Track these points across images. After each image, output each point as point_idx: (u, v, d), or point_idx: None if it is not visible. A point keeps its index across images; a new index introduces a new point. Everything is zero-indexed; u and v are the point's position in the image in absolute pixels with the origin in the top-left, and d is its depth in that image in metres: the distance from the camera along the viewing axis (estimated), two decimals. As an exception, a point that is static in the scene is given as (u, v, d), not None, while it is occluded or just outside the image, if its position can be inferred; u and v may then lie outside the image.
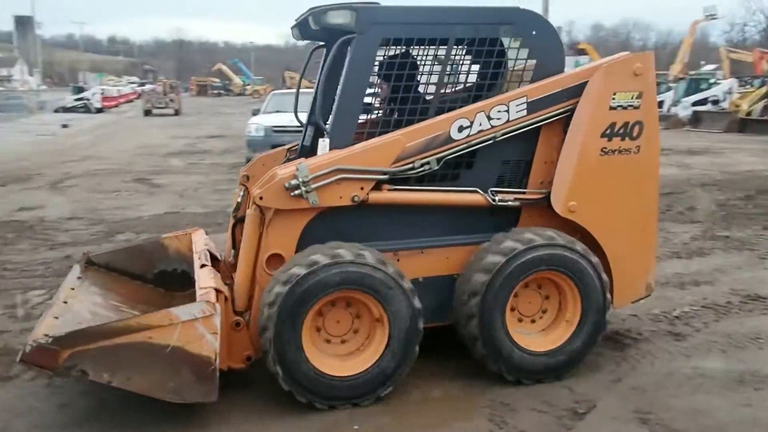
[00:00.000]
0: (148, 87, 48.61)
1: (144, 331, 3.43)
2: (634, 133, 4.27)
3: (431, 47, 4.61)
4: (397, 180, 4.08)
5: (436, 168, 4.10)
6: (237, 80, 79.97)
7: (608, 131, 4.22)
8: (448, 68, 4.39)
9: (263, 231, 3.99)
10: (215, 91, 78.46)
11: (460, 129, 4.09)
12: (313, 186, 3.87)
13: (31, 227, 8.70)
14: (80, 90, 50.41)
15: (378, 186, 4.03)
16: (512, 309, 4.18)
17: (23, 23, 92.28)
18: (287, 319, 3.68)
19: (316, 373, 3.77)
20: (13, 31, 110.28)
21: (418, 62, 4.65)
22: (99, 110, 43.52)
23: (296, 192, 3.86)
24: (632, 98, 4.25)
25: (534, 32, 4.25)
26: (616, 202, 4.33)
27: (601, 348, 4.54)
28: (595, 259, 4.17)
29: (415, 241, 4.22)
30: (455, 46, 4.40)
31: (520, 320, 4.25)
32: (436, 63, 4.65)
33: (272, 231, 3.97)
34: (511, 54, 4.29)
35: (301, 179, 3.85)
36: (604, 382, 4.22)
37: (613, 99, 4.21)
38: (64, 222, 9.09)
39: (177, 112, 39.21)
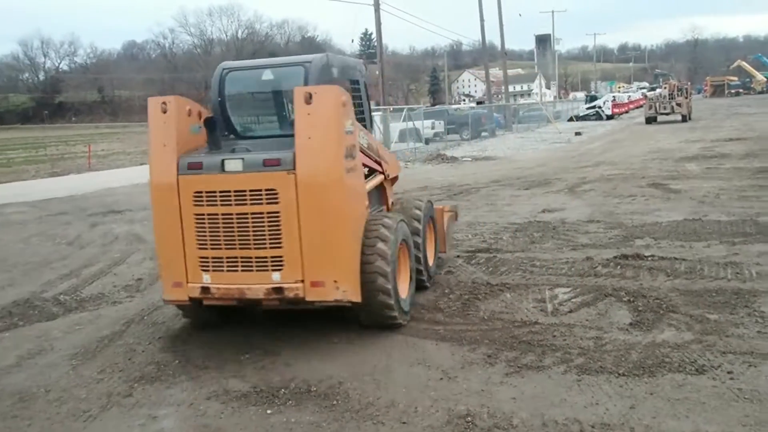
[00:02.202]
0: (656, 91, 47.29)
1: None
2: None
3: None
4: None
5: None
6: (759, 77, 72.27)
7: None
8: None
9: None
10: (733, 90, 72.39)
11: None
12: None
13: (554, 228, 9.30)
14: (593, 99, 52.57)
15: None
16: None
17: (543, 41, 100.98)
18: None
19: None
20: (534, 50, 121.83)
21: None
22: (609, 117, 44.68)
23: None
24: None
25: None
26: None
27: None
28: None
29: None
30: None
31: None
32: None
33: None
34: None
35: None
36: None
37: None
38: (583, 224, 9.45)
39: (685, 118, 34.79)
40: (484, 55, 47.46)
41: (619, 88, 79.29)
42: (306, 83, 5.34)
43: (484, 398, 4.20)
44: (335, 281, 4.97)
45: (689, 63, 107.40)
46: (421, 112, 30.11)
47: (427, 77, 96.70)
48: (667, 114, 35.38)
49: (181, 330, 5.85)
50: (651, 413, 3.86)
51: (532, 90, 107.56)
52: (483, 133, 35.02)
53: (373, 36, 27.98)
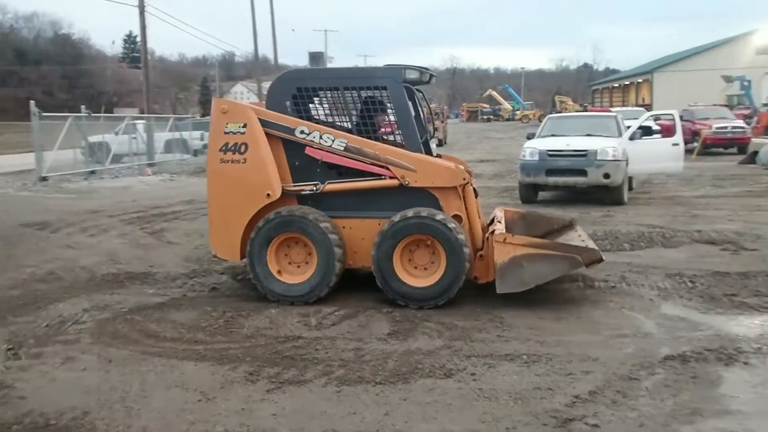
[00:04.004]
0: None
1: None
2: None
3: None
4: None
5: None
6: (506, 105, 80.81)
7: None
8: None
9: None
10: (485, 117, 79.99)
11: None
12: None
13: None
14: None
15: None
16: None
17: (316, 58, 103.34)
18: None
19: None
20: (307, 66, 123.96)
21: None
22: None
23: None
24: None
25: None
26: None
27: None
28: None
29: None
30: None
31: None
32: None
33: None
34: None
35: None
36: None
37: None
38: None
39: (441, 143, 35.28)
40: (256, 68, 47.30)
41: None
42: None
43: (244, 417, 4.12)
44: (212, 241, 6.85)
45: (449, 89, 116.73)
46: (190, 122, 29.12)
47: (198, 86, 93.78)
48: (420, 138, 36.86)
49: None
50: (404, 418, 4.06)
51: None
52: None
53: (138, 39, 26.50)
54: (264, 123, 6.59)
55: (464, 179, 6.53)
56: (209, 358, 5.09)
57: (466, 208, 6.58)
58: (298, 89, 6.73)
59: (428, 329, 5.68)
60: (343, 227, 6.56)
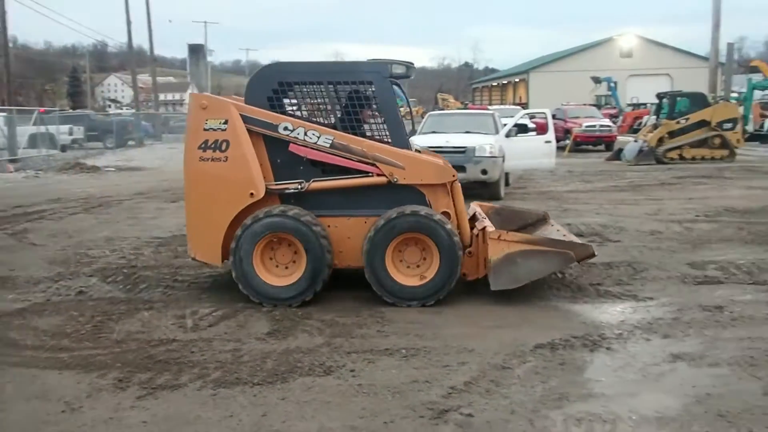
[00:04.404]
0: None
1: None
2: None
3: None
4: None
5: None
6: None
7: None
8: None
9: None
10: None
11: None
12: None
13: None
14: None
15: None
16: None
17: (196, 51, 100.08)
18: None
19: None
20: (186, 59, 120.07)
21: None
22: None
23: None
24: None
25: None
26: None
27: None
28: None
29: None
30: None
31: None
32: None
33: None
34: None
35: None
36: None
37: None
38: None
39: None
40: (131, 59, 45.25)
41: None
42: None
43: (112, 426, 3.90)
44: (191, 243, 6.53)
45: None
46: (57, 116, 27.42)
47: (67, 77, 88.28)
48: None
49: None
50: (282, 418, 4.00)
51: (184, 100, 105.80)
52: (130, 142, 33.29)
53: (-2, 26, 24.53)
54: (246, 119, 6.27)
55: (453, 176, 6.50)
56: (75, 366, 4.79)
57: (454, 205, 6.57)
58: (280, 83, 6.45)
59: (309, 327, 5.63)
60: (328, 226, 6.33)
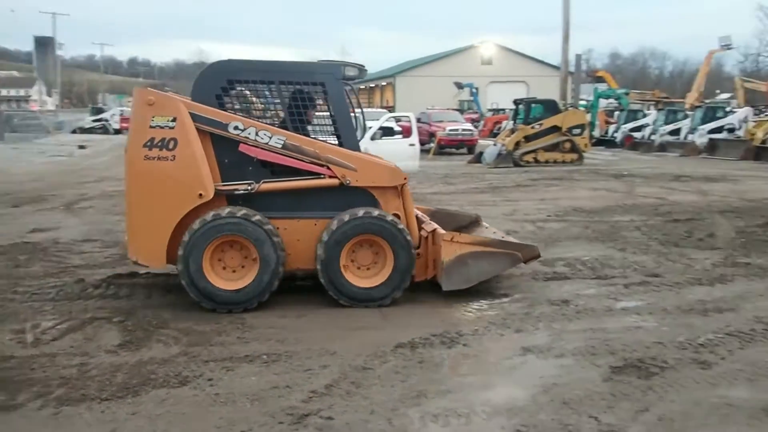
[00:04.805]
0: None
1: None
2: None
3: None
4: None
5: None
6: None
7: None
8: None
9: None
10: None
11: None
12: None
13: (44, 249, 8.56)
14: (99, 111, 50.89)
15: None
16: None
17: (43, 44, 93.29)
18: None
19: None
20: (33, 52, 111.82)
21: None
22: (117, 131, 43.86)
23: None
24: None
25: None
26: None
27: (627, 376, 4.57)
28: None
29: None
30: None
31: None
32: None
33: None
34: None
35: None
36: (630, 412, 4.06)
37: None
38: (78, 244, 8.97)
39: None
40: (-31, 53, 41.44)
41: (129, 102, 78.76)
42: None
43: (-66, 457, 3.52)
44: (132, 245, 6.11)
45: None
46: None
47: None
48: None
49: None
50: (131, 435, 3.79)
51: (30, 96, 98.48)
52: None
53: None
54: (194, 117, 5.94)
55: (404, 179, 6.49)
56: None
57: (404, 208, 6.49)
58: (229, 81, 6.20)
59: (164, 336, 5.39)
60: (277, 228, 6.07)
